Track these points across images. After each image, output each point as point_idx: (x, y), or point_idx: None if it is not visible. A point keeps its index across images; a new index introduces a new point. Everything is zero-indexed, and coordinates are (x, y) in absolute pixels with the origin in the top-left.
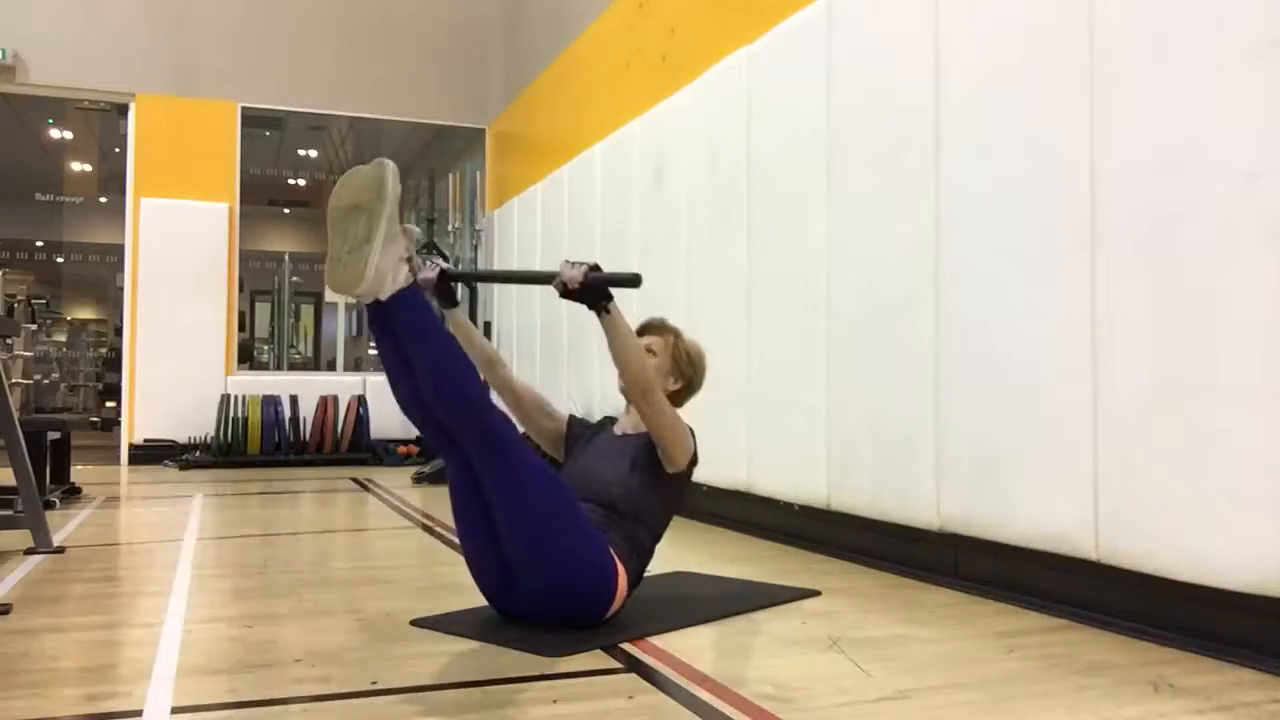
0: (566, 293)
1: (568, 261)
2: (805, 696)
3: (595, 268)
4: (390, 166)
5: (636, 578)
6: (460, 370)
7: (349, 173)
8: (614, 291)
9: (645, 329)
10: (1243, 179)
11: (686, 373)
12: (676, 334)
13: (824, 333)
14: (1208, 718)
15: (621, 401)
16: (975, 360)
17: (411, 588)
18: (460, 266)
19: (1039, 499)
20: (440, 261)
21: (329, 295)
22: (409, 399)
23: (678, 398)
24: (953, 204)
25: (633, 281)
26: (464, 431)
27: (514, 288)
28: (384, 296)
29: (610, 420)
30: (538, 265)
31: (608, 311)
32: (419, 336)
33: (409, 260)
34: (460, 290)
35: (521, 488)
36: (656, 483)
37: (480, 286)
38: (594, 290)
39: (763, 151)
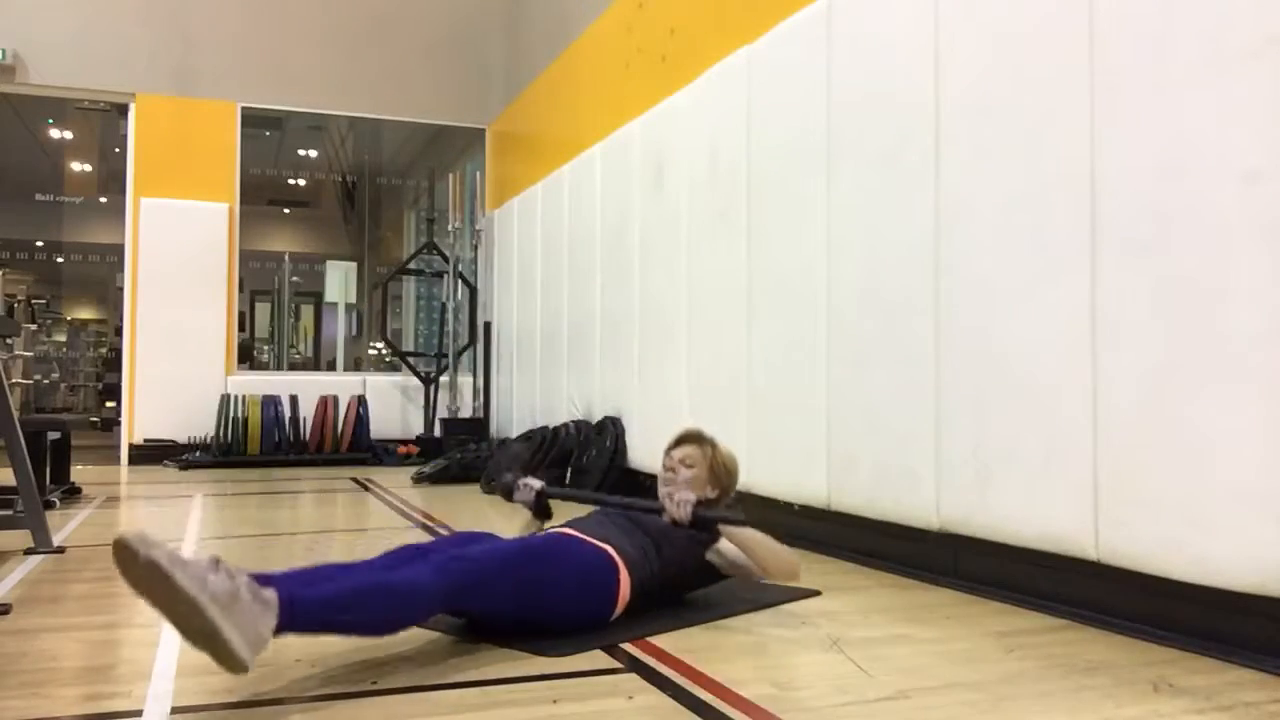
0: (675, 525)
1: (669, 497)
2: (805, 696)
3: (700, 502)
4: (140, 542)
5: (640, 589)
6: (388, 596)
7: (120, 557)
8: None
9: (682, 440)
10: (1243, 179)
11: (724, 482)
12: (714, 445)
13: (824, 333)
14: (1208, 718)
15: (620, 401)
16: (975, 360)
17: None
18: (460, 267)
19: (1039, 499)
20: (534, 482)
21: (329, 295)
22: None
23: (712, 505)
24: (953, 204)
25: (738, 520)
26: (435, 612)
27: (515, 290)
28: (268, 642)
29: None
30: (538, 266)
31: (719, 534)
32: (344, 623)
33: (255, 598)
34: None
35: (514, 603)
36: (701, 559)
37: (481, 285)
38: (701, 525)
39: (763, 151)
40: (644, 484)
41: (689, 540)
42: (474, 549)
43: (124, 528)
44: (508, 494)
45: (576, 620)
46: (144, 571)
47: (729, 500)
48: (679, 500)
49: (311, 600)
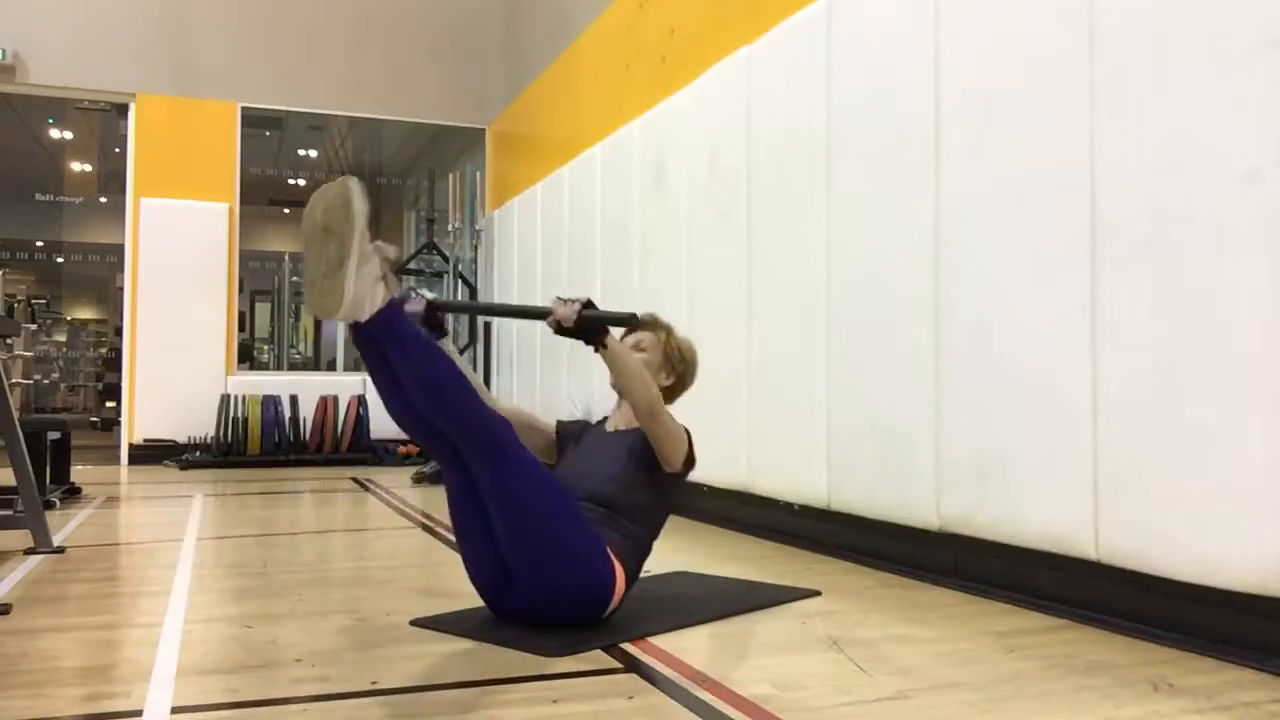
0: (560, 330)
1: (560, 299)
2: (805, 696)
3: (589, 304)
4: (355, 185)
5: (634, 575)
6: (448, 378)
7: (319, 191)
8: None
9: (640, 324)
10: (1243, 179)
11: (679, 369)
12: (668, 330)
13: (824, 332)
14: (1208, 718)
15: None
16: (975, 360)
17: (411, 588)
18: (460, 267)
19: (1039, 499)
20: (426, 293)
21: None
22: (400, 410)
23: (670, 394)
24: (953, 204)
25: (628, 320)
26: (458, 436)
27: (515, 290)
28: (364, 318)
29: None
30: (538, 266)
31: (605, 346)
32: (403, 352)
33: (385, 278)
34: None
35: (518, 488)
36: (652, 478)
37: (481, 285)
38: (588, 328)
39: (763, 151)
40: None
41: (641, 490)
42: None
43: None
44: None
45: (570, 589)
46: (337, 193)
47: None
48: (568, 299)
49: (410, 324)
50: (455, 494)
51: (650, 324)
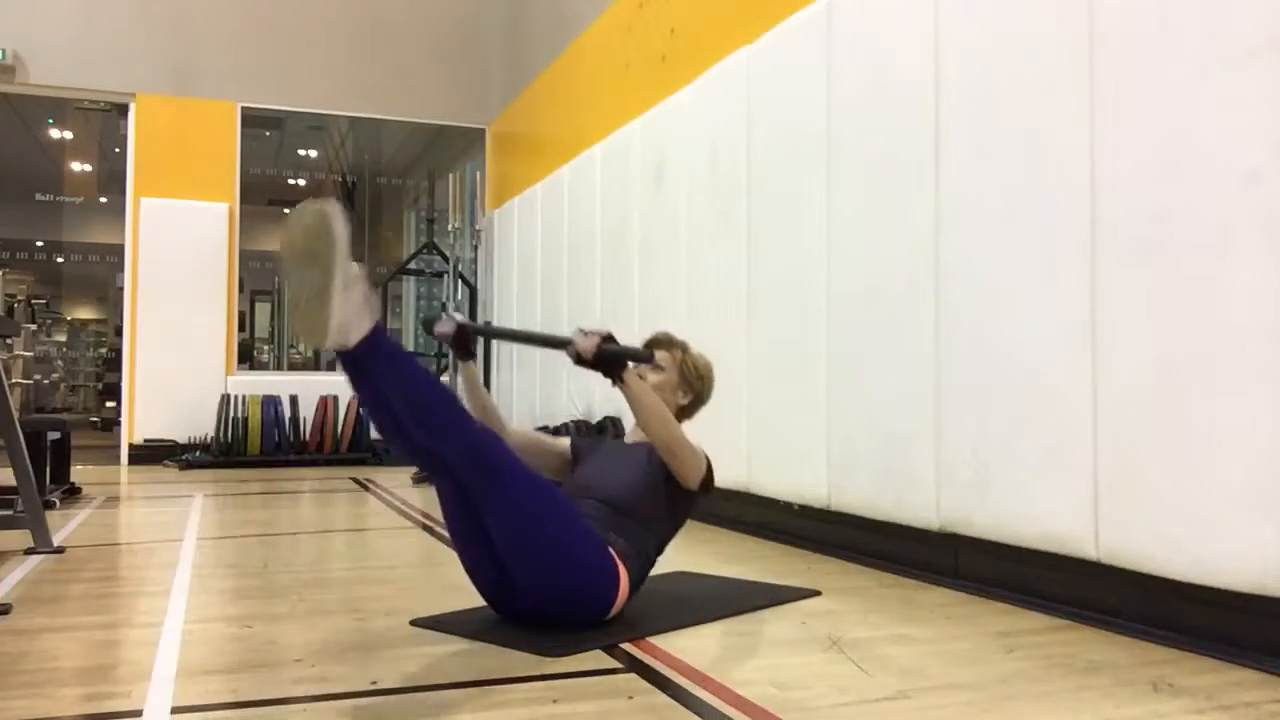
0: (580, 361)
1: (581, 330)
2: (805, 696)
3: (609, 338)
4: (335, 209)
5: (638, 581)
6: (438, 399)
7: (295, 214)
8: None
9: (653, 343)
10: (1243, 178)
11: (696, 387)
12: (684, 348)
13: (824, 332)
14: (1208, 717)
15: (620, 401)
16: (975, 360)
17: (411, 588)
18: (460, 267)
19: (1039, 499)
20: (457, 315)
21: None
22: (391, 431)
23: (687, 411)
24: (952, 203)
25: (646, 357)
26: (450, 453)
27: (515, 290)
28: (350, 344)
29: (611, 423)
30: (538, 266)
31: (623, 380)
32: (391, 374)
33: (368, 302)
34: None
35: (515, 504)
36: (667, 489)
37: (481, 285)
38: (607, 362)
39: (763, 151)
40: None
41: (654, 502)
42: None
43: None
44: (429, 327)
45: (574, 596)
46: (316, 218)
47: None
48: (589, 331)
49: (396, 345)
50: (449, 503)
51: (665, 342)
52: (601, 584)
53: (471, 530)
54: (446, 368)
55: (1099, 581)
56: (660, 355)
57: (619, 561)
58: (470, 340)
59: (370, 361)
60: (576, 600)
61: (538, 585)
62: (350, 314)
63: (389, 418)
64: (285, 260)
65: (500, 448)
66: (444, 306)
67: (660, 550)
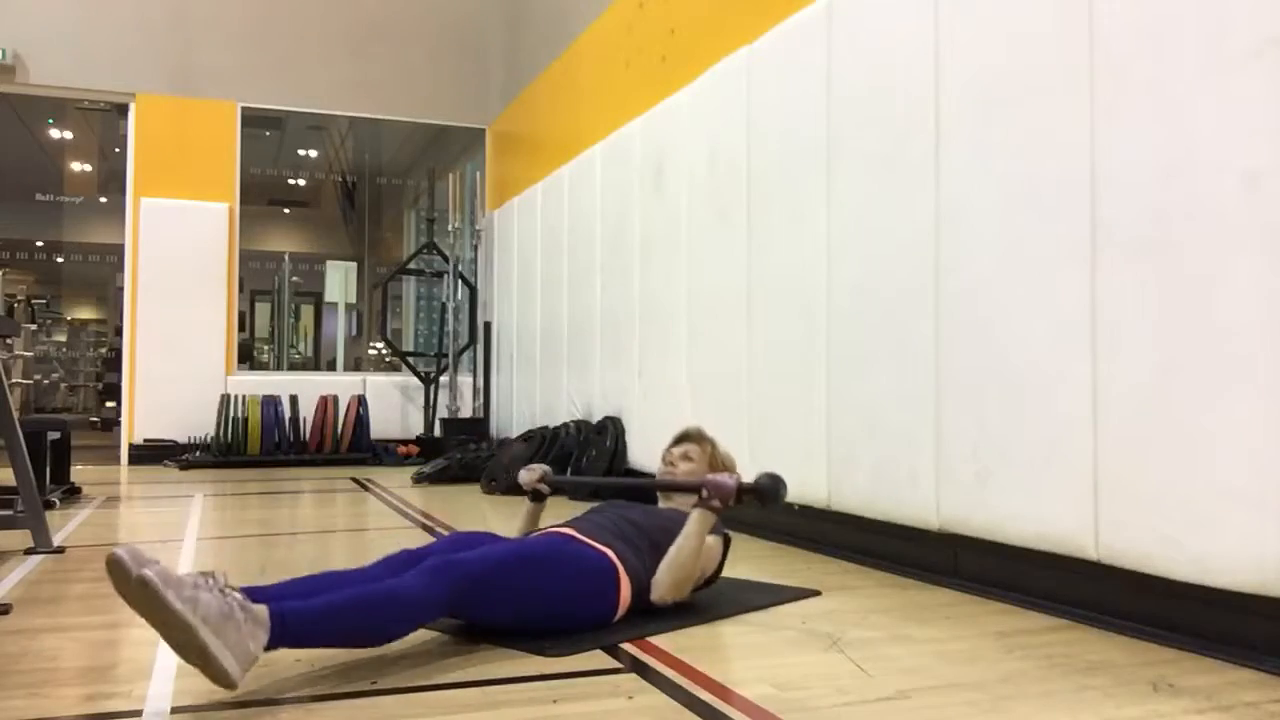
0: (708, 487)
1: (711, 482)
2: (805, 696)
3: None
4: (156, 583)
5: (641, 590)
6: (391, 616)
7: (115, 576)
8: None
9: (682, 438)
10: (1243, 179)
11: None
12: (713, 444)
13: (824, 332)
14: (1208, 718)
15: (620, 401)
16: (975, 360)
17: None
18: (460, 267)
19: (1039, 499)
20: (542, 467)
21: (329, 295)
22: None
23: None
24: (953, 204)
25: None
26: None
27: (515, 290)
28: (261, 653)
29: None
30: (538, 266)
31: (716, 510)
32: (333, 632)
33: (241, 609)
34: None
35: (510, 601)
36: None
37: (481, 285)
38: (758, 494)
39: (763, 151)
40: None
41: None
42: (470, 555)
43: (117, 545)
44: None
45: (577, 624)
46: (136, 589)
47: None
48: (727, 474)
49: (304, 614)
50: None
51: (697, 437)
52: (601, 596)
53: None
54: (466, 347)
55: (1099, 581)
56: (691, 448)
57: (621, 567)
58: (545, 490)
59: (303, 639)
60: (579, 618)
61: (541, 625)
62: (239, 643)
63: (374, 630)
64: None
65: (451, 579)
66: (444, 307)
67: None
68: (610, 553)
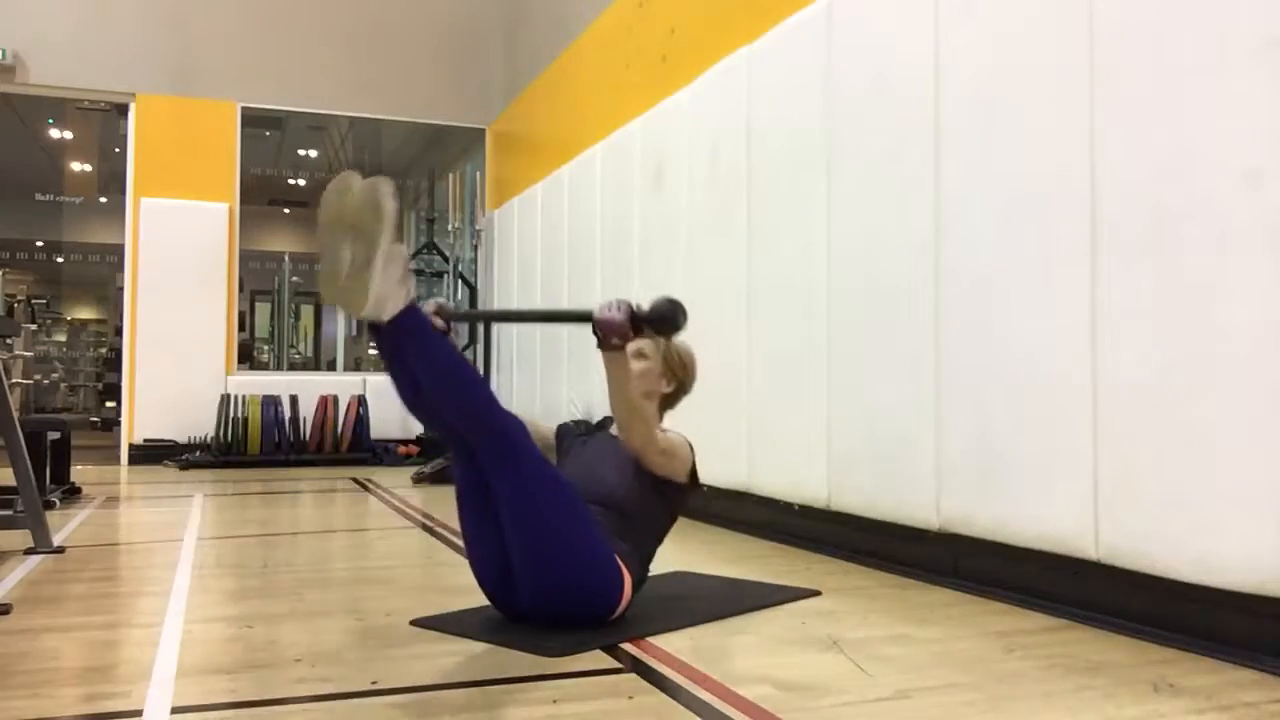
0: (608, 332)
1: (606, 305)
2: (805, 696)
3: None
4: (385, 187)
5: (640, 581)
6: (466, 380)
7: (340, 183)
8: None
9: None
10: (1243, 178)
11: (679, 375)
12: (670, 343)
13: (824, 332)
14: (1208, 718)
15: None
16: (975, 360)
17: (411, 588)
18: (460, 267)
19: (1039, 499)
20: (439, 300)
21: None
22: (413, 402)
23: (670, 400)
24: (953, 204)
25: (670, 320)
26: (474, 436)
27: (515, 290)
28: (386, 318)
29: (606, 421)
30: (538, 266)
31: (620, 349)
32: (422, 352)
33: (406, 279)
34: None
35: (529, 486)
36: (657, 486)
37: (481, 285)
38: (652, 322)
39: (763, 151)
40: None
41: (648, 498)
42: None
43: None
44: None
45: (578, 593)
46: (366, 193)
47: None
48: (615, 303)
49: (427, 324)
50: (465, 493)
51: (651, 336)
52: (606, 587)
53: (483, 514)
54: (466, 347)
55: (1099, 581)
56: (645, 344)
57: (623, 565)
58: (447, 324)
59: (403, 337)
60: (579, 598)
61: (543, 579)
62: (388, 289)
63: (417, 394)
64: (326, 230)
65: (524, 437)
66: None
67: (659, 542)
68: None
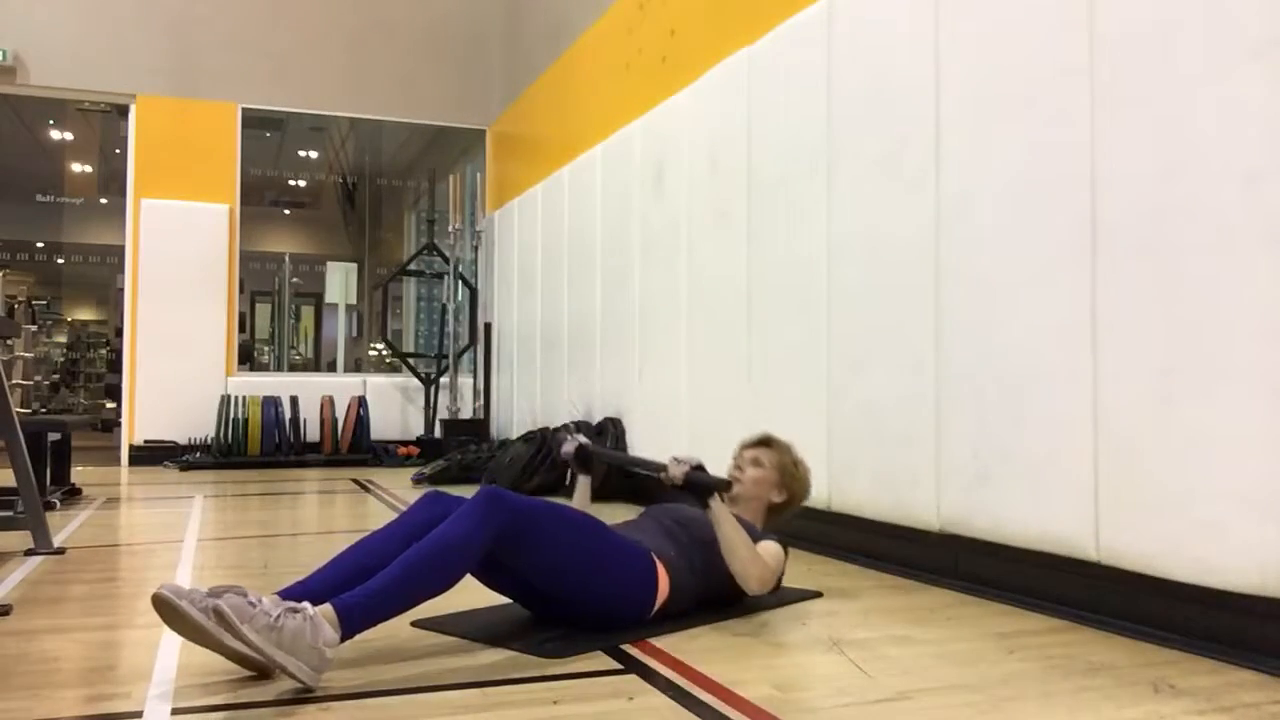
0: (672, 486)
1: (675, 459)
2: (805, 697)
3: (698, 467)
4: (191, 611)
5: (679, 588)
6: (446, 563)
7: (166, 612)
8: None
9: (756, 442)
10: (1243, 179)
11: (791, 488)
12: (788, 448)
13: (824, 333)
14: (1208, 718)
15: (620, 401)
16: (975, 360)
17: None
18: (461, 268)
19: (1039, 499)
20: (580, 437)
21: (329, 296)
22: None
23: (779, 510)
24: (953, 204)
25: (725, 485)
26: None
27: (515, 291)
28: (326, 666)
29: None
30: (538, 267)
31: (708, 506)
32: (394, 607)
33: (304, 619)
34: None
35: (548, 548)
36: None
37: (481, 286)
38: (694, 488)
39: (763, 151)
40: (646, 483)
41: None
42: (519, 495)
43: (158, 588)
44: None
45: (614, 606)
46: (192, 629)
47: (796, 510)
48: (681, 460)
49: (366, 601)
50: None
51: (768, 441)
52: (639, 586)
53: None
54: (466, 348)
55: (1099, 582)
56: (763, 453)
57: (660, 564)
58: (590, 460)
59: (370, 622)
60: (614, 602)
61: (575, 611)
62: (304, 651)
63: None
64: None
65: (509, 508)
66: (444, 308)
67: (702, 597)
68: (649, 550)
